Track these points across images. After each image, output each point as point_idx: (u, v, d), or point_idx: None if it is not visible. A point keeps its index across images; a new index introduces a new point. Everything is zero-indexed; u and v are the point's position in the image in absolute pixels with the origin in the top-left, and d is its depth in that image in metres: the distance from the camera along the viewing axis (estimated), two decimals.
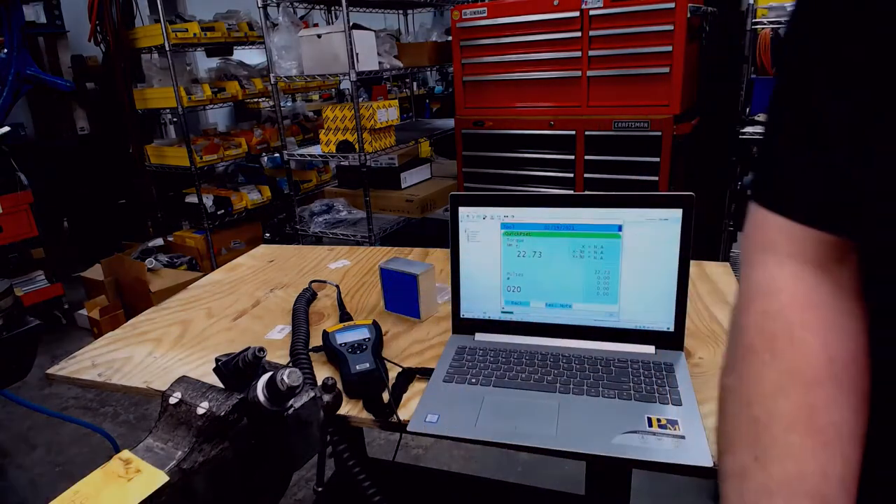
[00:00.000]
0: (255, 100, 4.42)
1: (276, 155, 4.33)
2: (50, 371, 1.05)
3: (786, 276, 0.42)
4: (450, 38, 3.11)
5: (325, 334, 1.00)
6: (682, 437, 0.74)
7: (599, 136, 2.69)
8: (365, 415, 0.85)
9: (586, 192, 2.48)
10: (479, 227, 0.99)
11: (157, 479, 0.48)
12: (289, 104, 4.93)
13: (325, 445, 0.76)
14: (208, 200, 3.62)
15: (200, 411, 0.54)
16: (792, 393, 0.40)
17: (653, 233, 0.90)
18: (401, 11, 4.46)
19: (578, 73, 2.67)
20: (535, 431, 0.78)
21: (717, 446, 0.45)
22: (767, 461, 0.40)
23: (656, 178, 2.60)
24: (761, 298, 0.43)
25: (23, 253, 3.20)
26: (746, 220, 0.46)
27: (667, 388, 0.84)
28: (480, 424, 0.80)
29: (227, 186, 3.97)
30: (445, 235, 1.02)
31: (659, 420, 0.77)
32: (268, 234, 4.18)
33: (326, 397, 0.76)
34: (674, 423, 0.76)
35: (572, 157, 2.79)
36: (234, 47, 4.00)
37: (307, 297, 1.24)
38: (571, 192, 2.75)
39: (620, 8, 2.47)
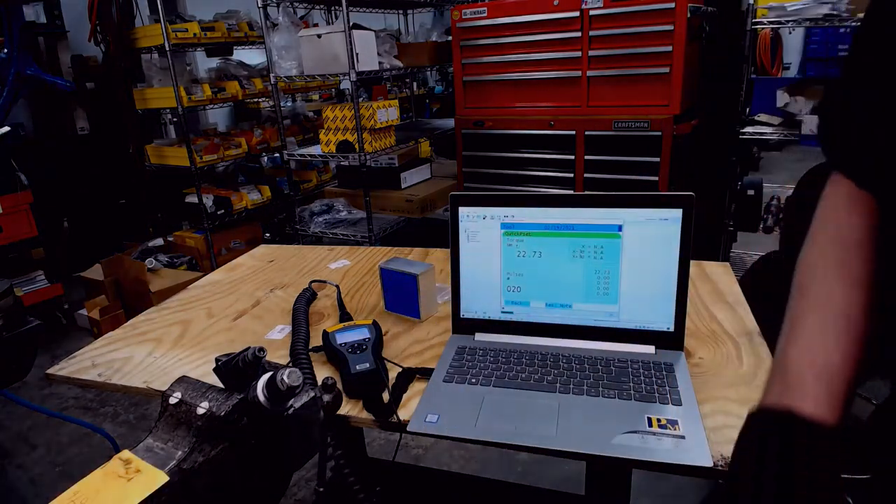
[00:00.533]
0: (255, 100, 4.42)
1: (276, 155, 4.34)
2: (50, 371, 1.05)
3: (841, 191, 0.56)
4: (450, 38, 3.11)
5: (325, 334, 1.00)
6: (682, 437, 0.74)
7: (599, 136, 2.69)
8: (365, 415, 0.85)
9: (586, 192, 2.48)
10: (479, 227, 0.99)
11: (157, 479, 0.48)
12: (289, 104, 4.93)
13: (325, 446, 0.76)
14: (208, 200, 3.62)
15: (200, 411, 0.54)
16: (830, 252, 0.55)
17: (653, 233, 0.90)
18: (401, 11, 4.46)
19: (578, 73, 2.67)
20: (535, 431, 0.78)
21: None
22: (808, 291, 0.55)
23: (656, 178, 2.60)
24: (823, 202, 0.58)
25: (23, 253, 3.20)
26: None
27: (667, 388, 0.84)
28: (480, 424, 0.80)
29: (227, 186, 3.97)
30: (445, 235, 1.02)
31: (659, 420, 0.77)
32: (268, 234, 4.18)
33: (326, 397, 0.76)
34: (674, 423, 0.76)
35: (572, 157, 2.79)
36: (234, 47, 4.00)
37: (307, 297, 1.24)
38: (571, 192, 2.75)
39: (620, 8, 2.48)
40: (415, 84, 6.11)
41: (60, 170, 3.87)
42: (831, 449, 0.47)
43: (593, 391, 0.85)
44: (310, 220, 3.41)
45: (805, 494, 0.45)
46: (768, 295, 1.21)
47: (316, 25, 4.16)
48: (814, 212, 0.57)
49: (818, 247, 0.57)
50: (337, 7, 3.11)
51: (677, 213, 0.88)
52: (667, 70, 2.47)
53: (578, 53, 2.63)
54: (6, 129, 2.80)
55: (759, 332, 1.00)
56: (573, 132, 2.75)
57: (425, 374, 0.93)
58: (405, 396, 0.88)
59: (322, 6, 3.83)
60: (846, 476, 0.46)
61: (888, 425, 0.54)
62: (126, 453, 0.51)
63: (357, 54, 2.83)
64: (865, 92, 0.49)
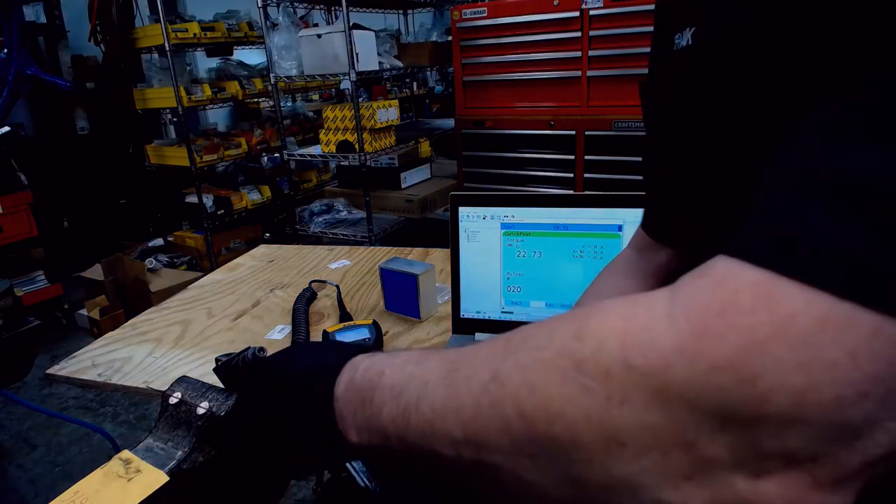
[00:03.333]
0: (255, 100, 4.43)
1: (276, 155, 4.34)
2: (50, 371, 1.05)
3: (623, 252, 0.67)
4: (450, 38, 3.11)
5: (325, 334, 1.00)
6: None
7: (599, 136, 2.69)
8: None
9: (586, 192, 2.48)
10: (479, 227, 0.99)
11: (157, 479, 0.48)
12: (289, 104, 4.93)
13: None
14: (208, 200, 3.62)
15: (200, 411, 0.54)
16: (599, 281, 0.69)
17: None
18: (401, 11, 4.46)
19: (578, 73, 2.67)
20: None
21: None
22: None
23: None
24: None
25: (23, 253, 3.20)
26: None
27: None
28: None
29: (227, 186, 3.97)
30: (445, 235, 1.02)
31: None
32: (268, 234, 4.19)
33: None
34: None
35: (572, 157, 2.79)
36: (234, 47, 4.00)
37: (307, 297, 1.24)
38: (571, 192, 2.75)
39: (620, 8, 2.47)
40: (415, 84, 6.11)
41: (60, 170, 3.87)
42: None
43: None
44: (310, 220, 3.41)
45: None
46: None
47: (316, 25, 4.16)
48: None
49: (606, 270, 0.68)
50: (337, 7, 3.11)
51: None
52: None
53: (578, 53, 2.63)
54: (6, 129, 2.80)
55: None
56: (573, 132, 2.75)
57: None
58: None
59: (322, 6, 3.83)
60: None
61: None
62: (126, 453, 0.51)
63: (357, 54, 2.83)
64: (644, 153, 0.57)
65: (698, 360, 0.24)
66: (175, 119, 4.46)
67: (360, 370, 0.43)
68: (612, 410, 0.26)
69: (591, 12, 2.54)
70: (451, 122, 3.36)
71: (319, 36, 2.89)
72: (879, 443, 0.23)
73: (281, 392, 0.47)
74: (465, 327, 1.03)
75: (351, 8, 2.83)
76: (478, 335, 1.02)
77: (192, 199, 3.65)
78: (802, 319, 0.23)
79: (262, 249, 1.67)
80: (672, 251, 0.59)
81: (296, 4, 3.40)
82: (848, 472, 0.23)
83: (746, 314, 0.24)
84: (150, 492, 0.47)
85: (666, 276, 0.60)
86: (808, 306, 0.23)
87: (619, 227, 0.92)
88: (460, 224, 1.00)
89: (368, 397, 0.40)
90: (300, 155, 3.30)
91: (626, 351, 0.26)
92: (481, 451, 0.32)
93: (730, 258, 0.26)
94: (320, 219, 3.41)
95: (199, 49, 3.99)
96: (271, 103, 4.07)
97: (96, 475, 0.48)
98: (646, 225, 0.62)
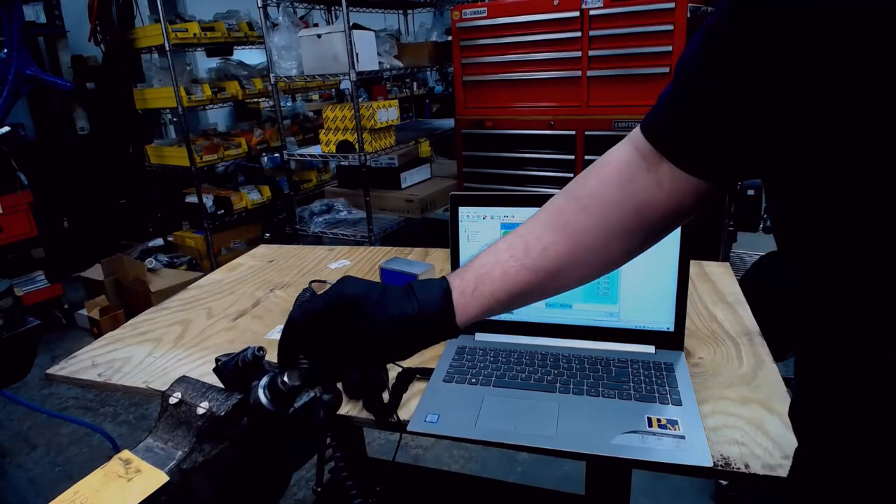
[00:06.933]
0: (255, 100, 4.42)
1: (276, 155, 4.34)
2: (50, 371, 1.05)
3: (621, 149, 0.65)
4: (450, 38, 3.11)
5: None
6: (682, 437, 0.74)
7: (599, 136, 2.69)
8: (365, 415, 0.85)
9: None
10: (479, 227, 0.99)
11: (157, 479, 0.48)
12: (289, 104, 4.93)
13: (324, 446, 0.76)
14: (208, 200, 3.62)
15: (200, 411, 0.54)
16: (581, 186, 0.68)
17: None
18: (401, 11, 4.46)
19: (578, 73, 2.67)
20: (535, 431, 0.78)
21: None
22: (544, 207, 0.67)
23: None
24: (604, 157, 0.66)
25: (23, 253, 3.20)
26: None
27: (667, 387, 0.84)
28: (480, 424, 0.80)
29: (227, 186, 3.97)
30: (445, 235, 1.02)
31: (659, 420, 0.77)
32: (268, 234, 4.18)
33: (326, 397, 0.76)
34: (674, 423, 0.76)
35: (572, 157, 2.79)
36: (234, 47, 4.00)
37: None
38: None
39: (620, 8, 2.48)
40: (415, 84, 6.11)
41: (60, 170, 3.87)
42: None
43: (593, 391, 0.85)
44: (310, 220, 3.41)
45: None
46: (768, 295, 1.21)
47: (316, 25, 4.16)
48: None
49: (577, 180, 0.66)
50: (337, 7, 3.11)
51: None
52: (667, 70, 2.47)
53: (578, 53, 2.63)
54: (6, 129, 2.80)
55: (759, 332, 1.00)
56: (573, 132, 2.75)
57: (425, 374, 0.93)
58: (405, 396, 0.88)
59: (322, 6, 3.83)
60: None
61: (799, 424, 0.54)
62: (126, 453, 0.51)
63: (357, 54, 2.83)
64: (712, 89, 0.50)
65: None
66: (175, 119, 4.46)
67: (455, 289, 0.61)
68: None
69: (591, 12, 2.54)
70: (451, 122, 3.36)
71: (319, 36, 2.89)
72: None
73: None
74: (465, 327, 1.03)
75: (351, 8, 2.83)
76: (478, 335, 1.02)
77: (192, 199, 3.65)
78: None
79: (262, 249, 1.67)
80: (673, 174, 0.57)
81: (296, 4, 3.40)
82: None
83: None
84: (150, 492, 0.47)
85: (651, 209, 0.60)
86: None
87: None
88: (460, 224, 1.00)
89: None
90: (300, 155, 3.30)
91: None
92: None
93: None
94: (320, 219, 3.41)
95: (199, 49, 3.98)
96: (271, 103, 4.07)
97: (96, 475, 0.48)
98: (665, 139, 0.58)
